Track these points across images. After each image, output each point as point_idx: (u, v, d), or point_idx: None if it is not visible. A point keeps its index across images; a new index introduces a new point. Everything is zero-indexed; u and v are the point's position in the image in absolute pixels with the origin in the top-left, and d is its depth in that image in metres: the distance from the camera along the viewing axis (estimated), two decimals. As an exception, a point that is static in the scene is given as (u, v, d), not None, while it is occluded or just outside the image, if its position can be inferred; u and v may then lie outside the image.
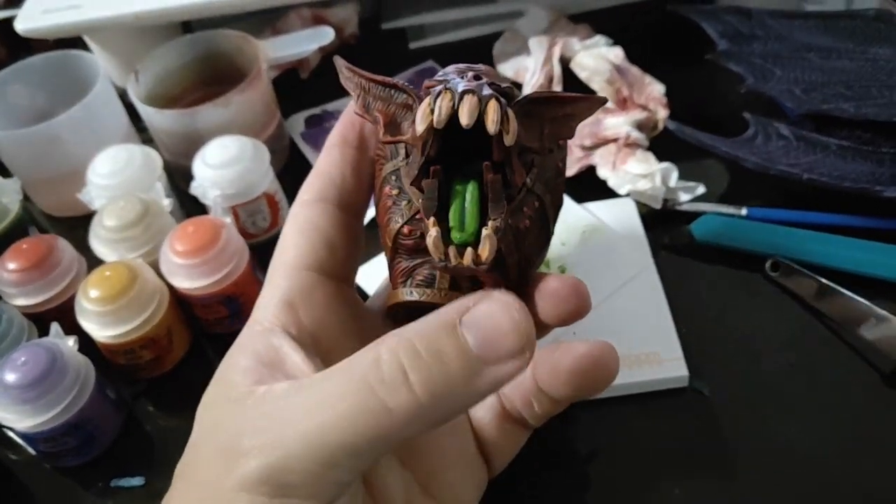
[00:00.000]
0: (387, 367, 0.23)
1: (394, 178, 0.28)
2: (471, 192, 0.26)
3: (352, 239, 0.31)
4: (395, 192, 0.28)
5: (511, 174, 0.26)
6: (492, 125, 0.24)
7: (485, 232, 0.25)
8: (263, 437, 0.23)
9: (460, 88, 0.24)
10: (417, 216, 0.27)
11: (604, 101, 0.28)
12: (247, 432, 0.24)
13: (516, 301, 0.24)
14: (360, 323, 0.30)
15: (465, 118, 0.24)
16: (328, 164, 0.31)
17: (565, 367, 0.29)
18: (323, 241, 0.30)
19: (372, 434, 0.23)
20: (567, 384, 0.29)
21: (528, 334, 0.23)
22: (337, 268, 0.30)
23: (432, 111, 0.24)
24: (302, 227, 0.30)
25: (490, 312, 0.23)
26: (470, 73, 0.26)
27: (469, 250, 0.25)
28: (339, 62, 0.29)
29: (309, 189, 0.31)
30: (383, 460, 0.29)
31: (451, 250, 0.25)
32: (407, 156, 0.27)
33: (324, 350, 0.28)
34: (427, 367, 0.23)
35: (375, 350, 0.23)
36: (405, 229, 0.28)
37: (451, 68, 0.27)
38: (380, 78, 0.27)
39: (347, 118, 0.32)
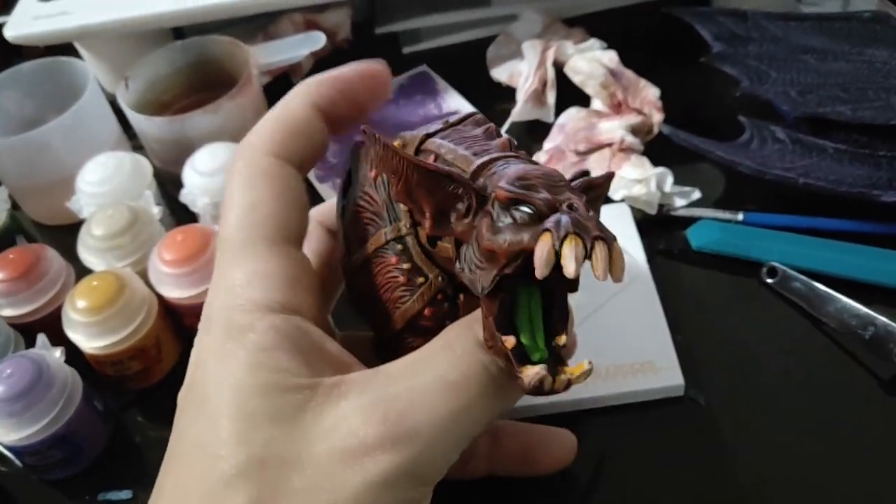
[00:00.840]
0: (473, 365, 0.24)
1: (399, 246, 0.27)
2: (535, 300, 0.24)
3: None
4: (405, 265, 0.27)
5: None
6: (620, 274, 0.22)
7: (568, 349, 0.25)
8: (392, 428, 0.22)
9: (591, 235, 0.21)
10: (438, 297, 0.27)
11: (612, 175, 0.29)
12: (363, 424, 0.22)
13: None
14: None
15: (600, 272, 0.21)
16: (298, 116, 0.28)
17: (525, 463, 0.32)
18: (298, 205, 0.27)
19: (496, 413, 0.24)
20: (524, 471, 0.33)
21: None
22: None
23: (556, 254, 0.21)
24: (275, 188, 0.27)
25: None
26: (565, 202, 0.22)
27: (563, 377, 0.23)
28: (371, 133, 0.25)
29: (270, 142, 0.28)
30: None
31: (539, 373, 0.22)
32: (414, 224, 0.27)
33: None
34: None
35: (471, 346, 0.24)
36: (427, 311, 0.27)
37: (496, 151, 0.25)
38: (431, 166, 0.24)
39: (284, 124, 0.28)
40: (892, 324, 0.39)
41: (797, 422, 0.39)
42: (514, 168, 0.24)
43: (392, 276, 0.27)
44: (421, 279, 0.27)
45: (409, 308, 0.27)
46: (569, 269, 0.21)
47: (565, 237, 0.21)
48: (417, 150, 0.27)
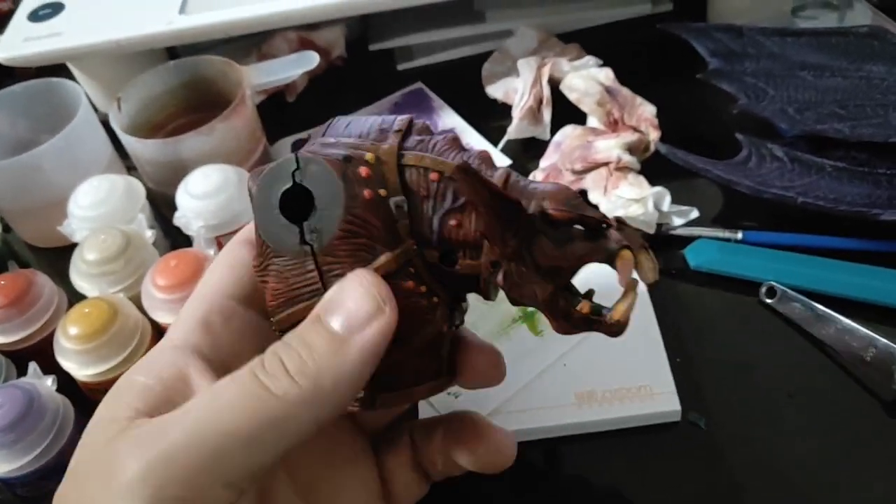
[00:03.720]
0: (267, 362, 0.24)
1: (411, 269, 0.27)
2: None
3: None
4: (423, 288, 0.27)
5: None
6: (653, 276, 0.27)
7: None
8: (144, 441, 0.23)
9: (647, 246, 0.27)
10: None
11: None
12: (125, 443, 0.23)
13: (358, 271, 0.25)
14: None
15: (653, 277, 0.27)
16: None
17: (466, 445, 0.31)
18: (249, 276, 0.29)
19: (259, 419, 0.23)
20: (465, 460, 0.31)
21: (378, 294, 0.25)
22: (261, 303, 0.28)
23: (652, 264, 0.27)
24: (230, 261, 0.29)
25: (340, 289, 0.25)
26: (610, 219, 0.27)
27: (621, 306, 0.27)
28: (467, 168, 0.25)
29: (244, 231, 0.30)
30: (282, 495, 0.29)
31: (621, 308, 0.27)
32: (420, 244, 0.27)
33: None
34: (298, 355, 0.24)
35: (259, 355, 0.25)
36: (447, 330, 0.29)
37: (486, 163, 0.28)
38: (509, 195, 0.26)
39: None
40: (893, 345, 0.39)
41: (799, 445, 0.38)
42: (548, 186, 0.27)
43: (413, 301, 0.27)
44: (435, 299, 0.28)
45: (432, 329, 0.28)
46: (649, 277, 0.27)
47: (639, 250, 0.26)
48: (400, 164, 0.27)
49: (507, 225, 0.26)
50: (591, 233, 0.27)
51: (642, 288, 0.44)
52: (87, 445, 0.25)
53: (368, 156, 0.27)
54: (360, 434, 0.33)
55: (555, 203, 0.26)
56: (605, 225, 0.27)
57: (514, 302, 0.28)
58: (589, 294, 0.28)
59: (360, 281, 0.25)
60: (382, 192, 0.26)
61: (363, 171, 0.26)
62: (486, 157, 0.28)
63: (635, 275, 0.27)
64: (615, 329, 0.27)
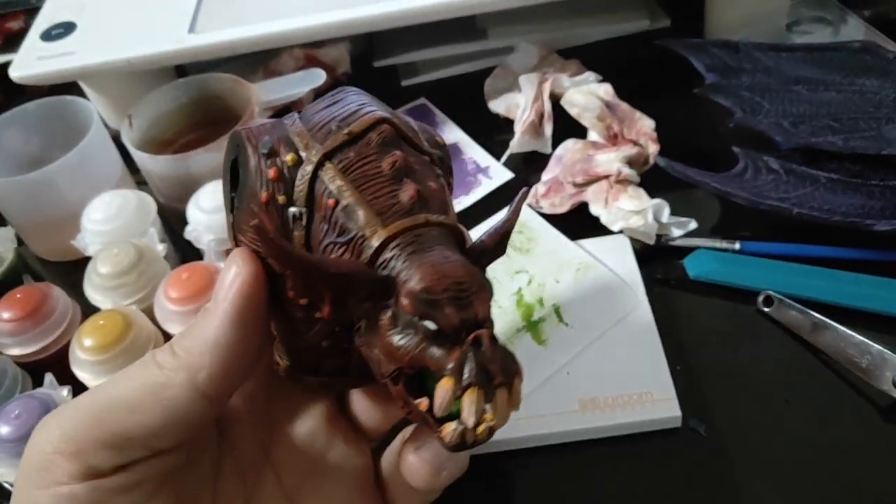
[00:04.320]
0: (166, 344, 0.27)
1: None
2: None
3: None
4: (303, 301, 0.26)
5: None
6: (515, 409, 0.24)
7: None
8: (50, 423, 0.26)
9: (493, 382, 0.23)
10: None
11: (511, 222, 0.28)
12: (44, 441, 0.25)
13: (237, 250, 0.27)
14: None
15: (496, 422, 0.23)
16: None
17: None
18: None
19: (142, 387, 0.25)
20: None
21: (232, 261, 0.26)
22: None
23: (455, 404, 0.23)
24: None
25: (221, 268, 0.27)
26: (471, 333, 0.23)
27: (483, 426, 0.23)
28: (262, 229, 0.24)
29: None
30: (269, 496, 0.29)
31: (456, 428, 0.23)
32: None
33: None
34: (182, 333, 0.26)
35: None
36: (326, 345, 0.29)
37: (402, 212, 0.25)
38: (336, 267, 0.24)
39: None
40: (888, 352, 0.40)
41: (796, 450, 0.39)
42: (423, 271, 0.23)
43: (292, 311, 0.27)
44: (318, 315, 0.26)
45: (311, 340, 0.28)
46: (468, 421, 0.22)
47: (467, 387, 0.22)
48: (314, 174, 0.25)
49: (348, 287, 0.24)
50: (445, 338, 0.23)
51: (642, 302, 0.45)
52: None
53: (289, 157, 0.26)
54: (361, 440, 0.32)
55: (413, 292, 0.23)
56: (458, 337, 0.23)
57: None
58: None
59: (227, 265, 0.26)
60: (282, 198, 0.26)
61: (272, 172, 0.26)
62: (425, 201, 0.25)
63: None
64: (443, 443, 0.23)
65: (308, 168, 0.25)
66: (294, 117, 0.28)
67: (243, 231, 0.26)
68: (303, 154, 0.26)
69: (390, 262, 0.24)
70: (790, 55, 0.55)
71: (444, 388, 0.23)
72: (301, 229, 0.26)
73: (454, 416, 0.23)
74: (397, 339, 0.24)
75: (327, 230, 0.25)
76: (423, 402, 0.24)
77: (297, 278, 0.25)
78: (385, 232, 0.24)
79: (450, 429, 0.23)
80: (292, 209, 0.26)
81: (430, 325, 0.23)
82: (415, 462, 0.27)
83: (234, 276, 0.26)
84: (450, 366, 0.22)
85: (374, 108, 0.27)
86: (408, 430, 0.29)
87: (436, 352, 0.23)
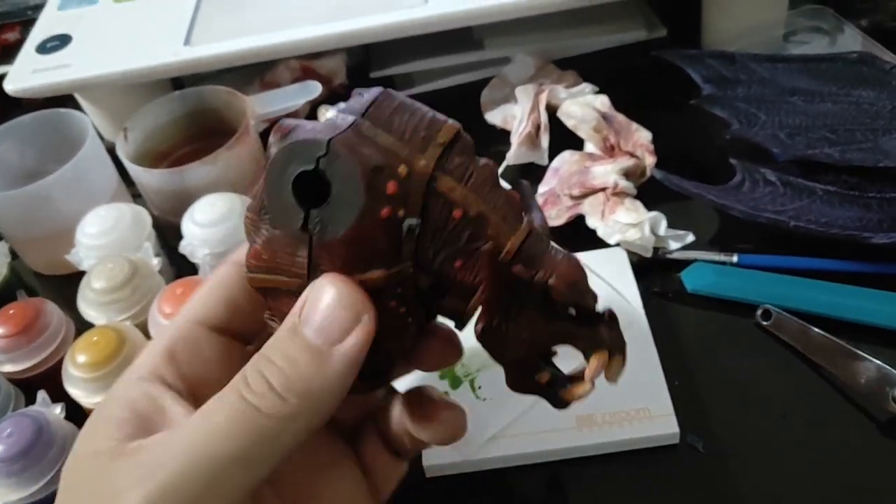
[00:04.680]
0: (252, 381, 0.24)
1: (399, 290, 0.26)
2: None
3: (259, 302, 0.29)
4: (403, 309, 0.27)
5: None
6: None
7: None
8: (140, 472, 0.23)
9: (622, 351, 0.28)
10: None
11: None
12: (121, 476, 0.23)
13: (335, 278, 0.25)
14: None
15: (616, 381, 0.29)
16: None
17: (421, 422, 0.31)
18: (225, 299, 0.29)
19: (253, 438, 0.23)
20: (423, 435, 0.31)
21: (355, 303, 0.25)
22: (235, 326, 0.29)
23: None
24: (216, 283, 0.30)
25: (318, 297, 0.25)
26: (605, 313, 0.28)
27: (583, 385, 0.29)
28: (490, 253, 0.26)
29: (238, 252, 0.30)
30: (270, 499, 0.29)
31: (585, 387, 0.29)
32: (417, 268, 0.26)
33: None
34: (281, 371, 0.24)
35: (241, 371, 0.25)
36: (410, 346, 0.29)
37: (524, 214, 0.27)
38: (522, 275, 0.27)
39: None
40: (887, 366, 0.40)
41: (795, 467, 0.39)
42: (563, 267, 0.27)
43: (391, 320, 0.27)
44: (411, 320, 0.27)
45: (399, 346, 0.28)
46: (613, 380, 0.28)
47: (616, 355, 0.28)
48: (429, 185, 0.25)
49: (509, 294, 0.26)
50: (582, 319, 0.28)
51: (640, 317, 0.45)
52: (73, 485, 0.25)
53: (401, 169, 0.25)
54: (336, 433, 0.33)
55: (561, 283, 0.26)
56: (599, 316, 0.28)
57: (482, 344, 0.28)
58: (551, 363, 0.29)
59: (338, 290, 0.25)
60: (401, 212, 0.25)
61: (390, 186, 0.25)
62: (515, 202, 0.27)
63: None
64: (561, 406, 0.29)
65: (422, 179, 0.25)
66: (345, 121, 0.26)
67: (335, 252, 0.25)
68: (409, 165, 0.25)
69: (525, 263, 0.26)
70: (786, 66, 0.55)
71: (600, 358, 0.28)
72: (412, 241, 0.26)
73: (550, 385, 0.29)
74: (549, 325, 0.27)
75: (447, 240, 0.26)
76: (544, 376, 0.28)
77: (491, 288, 0.26)
78: (516, 239, 0.26)
79: (578, 392, 0.28)
80: (409, 221, 0.25)
81: (573, 310, 0.28)
82: (452, 415, 0.31)
83: (354, 323, 0.24)
84: (605, 342, 0.28)
85: (440, 115, 0.27)
86: (380, 412, 0.33)
87: (583, 330, 0.28)
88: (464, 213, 0.25)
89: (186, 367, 0.28)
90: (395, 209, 0.25)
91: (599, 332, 0.28)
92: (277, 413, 0.24)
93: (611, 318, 0.28)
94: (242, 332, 0.30)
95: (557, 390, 0.28)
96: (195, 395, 0.27)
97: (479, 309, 0.27)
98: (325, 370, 0.24)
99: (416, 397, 0.32)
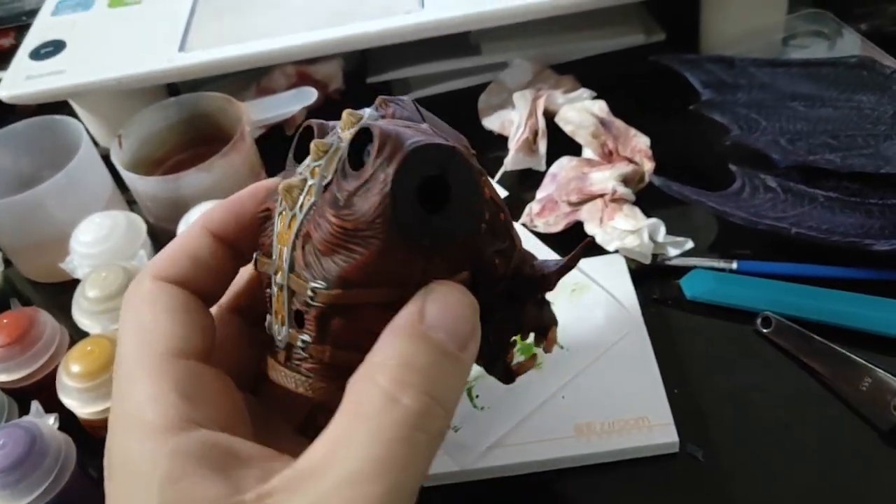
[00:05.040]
0: (404, 391, 0.22)
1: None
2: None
3: (212, 324, 0.28)
4: None
5: None
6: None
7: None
8: None
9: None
10: None
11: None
12: None
13: (453, 284, 0.25)
14: (246, 407, 0.27)
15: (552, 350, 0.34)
16: (193, 245, 0.28)
17: None
18: (193, 322, 0.26)
19: (421, 447, 0.22)
20: None
21: (476, 312, 0.25)
22: (209, 350, 0.27)
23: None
24: (166, 307, 0.26)
25: (445, 304, 0.24)
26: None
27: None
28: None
29: (161, 267, 0.27)
30: None
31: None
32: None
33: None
34: (427, 377, 0.23)
35: (373, 389, 0.22)
36: None
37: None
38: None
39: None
40: (888, 374, 0.39)
41: (795, 475, 0.38)
42: (546, 266, 0.31)
43: None
44: None
45: None
46: (552, 350, 0.34)
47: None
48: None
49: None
50: (540, 302, 0.33)
51: (638, 323, 0.44)
52: None
53: (484, 177, 0.26)
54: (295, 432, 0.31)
55: (553, 275, 0.32)
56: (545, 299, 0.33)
57: None
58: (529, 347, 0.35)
59: (466, 297, 0.25)
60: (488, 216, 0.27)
61: (487, 192, 0.26)
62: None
63: None
64: (510, 381, 0.32)
65: (488, 186, 0.27)
66: (417, 126, 0.26)
67: (448, 257, 0.25)
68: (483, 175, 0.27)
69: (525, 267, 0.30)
70: (786, 71, 0.55)
71: (555, 333, 0.33)
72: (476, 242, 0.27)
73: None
74: (539, 312, 0.32)
75: (492, 238, 0.27)
76: (512, 356, 0.32)
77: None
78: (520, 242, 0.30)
79: (525, 367, 0.33)
80: (482, 224, 0.27)
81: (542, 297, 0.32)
82: None
83: (474, 331, 0.25)
84: (552, 317, 0.33)
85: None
86: None
87: (545, 314, 0.33)
88: (506, 216, 0.28)
89: (206, 409, 0.24)
90: (487, 213, 0.27)
91: (550, 311, 0.33)
92: (436, 416, 0.23)
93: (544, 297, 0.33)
94: (210, 353, 0.27)
95: (511, 368, 0.32)
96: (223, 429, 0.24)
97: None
98: (460, 376, 0.24)
99: None
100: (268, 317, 0.28)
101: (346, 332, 0.25)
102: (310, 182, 0.26)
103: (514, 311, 0.31)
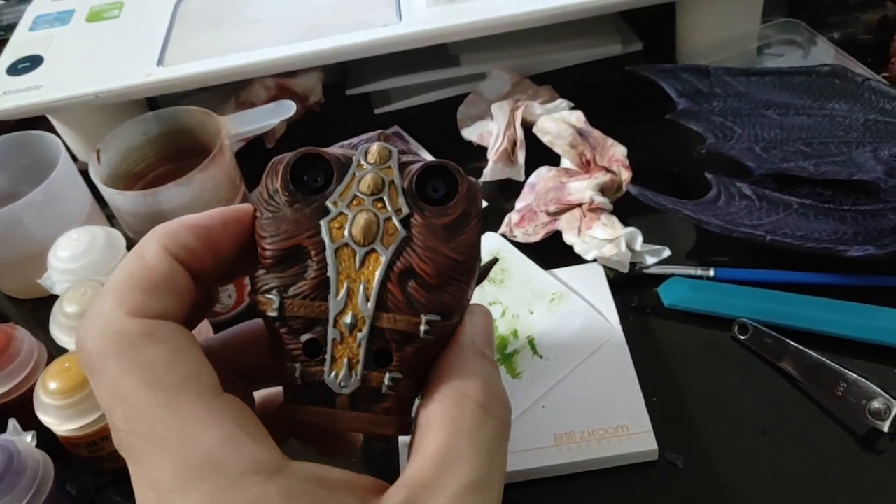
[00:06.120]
0: (501, 412, 0.27)
1: None
2: None
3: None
4: None
5: None
6: None
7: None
8: None
9: None
10: None
11: None
12: None
13: (478, 304, 0.29)
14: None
15: None
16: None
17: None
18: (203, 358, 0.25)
19: (503, 468, 0.26)
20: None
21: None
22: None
23: None
24: (176, 347, 0.25)
25: (479, 323, 0.28)
26: None
27: None
28: None
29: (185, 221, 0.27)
30: None
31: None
32: None
33: None
34: (498, 393, 0.27)
35: (475, 407, 0.25)
36: None
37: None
38: None
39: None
40: (863, 379, 0.40)
41: (774, 481, 0.39)
42: None
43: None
44: None
45: None
46: None
47: None
48: None
49: None
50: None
51: (617, 333, 0.45)
52: None
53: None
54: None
55: None
56: None
57: None
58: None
59: (488, 314, 0.29)
60: None
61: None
62: None
63: None
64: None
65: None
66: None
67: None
68: None
69: None
70: (760, 80, 0.55)
71: None
72: None
73: None
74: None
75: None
76: None
77: None
78: None
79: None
80: None
81: None
82: None
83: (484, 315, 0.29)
84: None
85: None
86: None
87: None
88: None
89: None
90: None
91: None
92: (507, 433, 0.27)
93: None
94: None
95: None
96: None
97: None
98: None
99: None
100: (296, 366, 0.26)
101: (425, 364, 0.27)
102: (365, 217, 0.26)
103: None
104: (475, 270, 0.28)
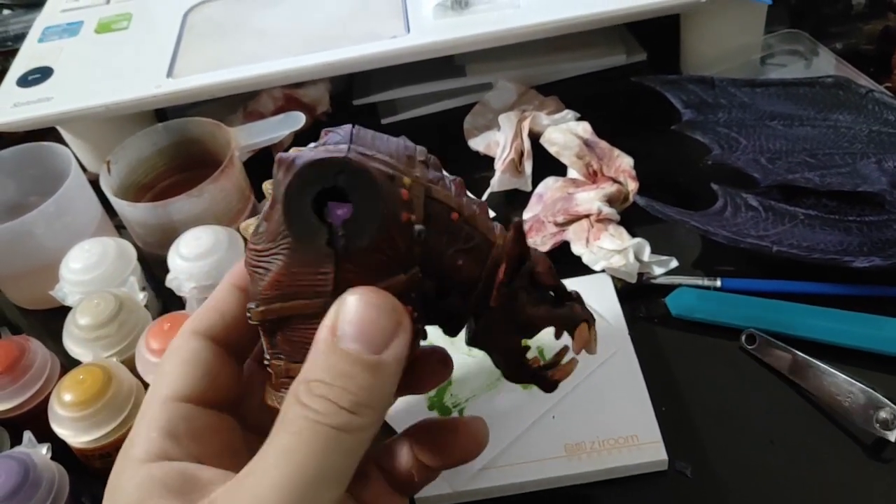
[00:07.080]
0: (320, 406, 0.25)
1: (413, 295, 0.29)
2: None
3: (234, 374, 0.31)
4: (416, 315, 0.29)
5: None
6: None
7: None
8: None
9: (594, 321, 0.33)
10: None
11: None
12: None
13: (366, 288, 0.26)
14: (246, 448, 0.30)
15: (595, 350, 0.33)
16: (221, 299, 0.31)
17: (440, 446, 0.32)
18: (202, 372, 0.29)
19: (338, 456, 0.25)
20: (441, 460, 0.32)
21: (395, 309, 0.26)
22: (218, 397, 0.30)
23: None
24: (181, 359, 0.30)
25: (352, 310, 0.26)
26: (573, 293, 0.33)
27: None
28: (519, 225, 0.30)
29: (195, 321, 0.31)
30: None
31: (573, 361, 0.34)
32: (423, 274, 0.28)
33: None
34: (345, 390, 0.25)
35: (294, 406, 0.25)
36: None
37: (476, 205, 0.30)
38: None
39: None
40: (871, 390, 0.40)
41: (782, 491, 0.39)
42: (539, 257, 0.31)
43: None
44: (419, 326, 0.30)
45: (411, 355, 0.29)
46: (594, 350, 0.33)
47: (593, 325, 0.32)
48: (428, 194, 0.28)
49: (513, 277, 0.30)
50: (559, 301, 0.32)
51: (626, 342, 0.45)
52: None
53: (406, 180, 0.27)
54: None
55: (543, 268, 0.31)
56: (569, 295, 0.32)
57: (474, 344, 0.32)
58: (540, 350, 0.35)
59: (376, 298, 0.26)
60: (414, 217, 0.28)
61: (404, 193, 0.27)
62: (484, 206, 0.31)
63: None
64: (551, 387, 0.33)
65: (421, 188, 0.28)
66: (337, 147, 0.28)
67: (361, 262, 0.27)
68: (410, 176, 0.28)
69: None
70: (765, 90, 0.56)
71: (583, 330, 0.32)
72: (419, 246, 0.28)
73: (542, 369, 0.33)
74: (540, 310, 0.31)
75: (449, 240, 0.29)
76: (536, 360, 0.33)
77: (507, 267, 0.30)
78: (500, 236, 0.30)
79: (567, 370, 0.33)
80: (417, 227, 0.28)
81: (552, 293, 0.32)
82: (475, 423, 0.33)
83: (396, 328, 0.26)
84: (583, 315, 0.32)
85: (408, 140, 0.30)
86: (381, 454, 0.33)
87: (561, 310, 0.32)
88: (460, 215, 0.29)
89: (189, 445, 0.28)
90: (409, 214, 0.27)
91: (574, 309, 0.32)
92: (355, 427, 0.25)
93: (577, 295, 0.32)
94: (225, 403, 0.30)
95: (547, 374, 0.33)
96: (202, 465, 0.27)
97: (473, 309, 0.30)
98: (381, 378, 0.26)
99: (426, 429, 0.33)
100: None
101: (289, 346, 0.28)
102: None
103: (510, 311, 0.31)
104: (286, 255, 0.27)
